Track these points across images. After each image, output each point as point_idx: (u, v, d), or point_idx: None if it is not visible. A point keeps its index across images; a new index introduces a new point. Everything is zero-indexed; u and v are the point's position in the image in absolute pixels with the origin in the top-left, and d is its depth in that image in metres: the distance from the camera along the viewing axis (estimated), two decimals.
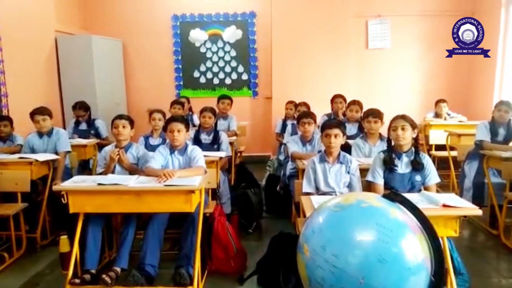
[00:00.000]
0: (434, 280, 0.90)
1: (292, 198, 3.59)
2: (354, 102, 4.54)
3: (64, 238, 3.02)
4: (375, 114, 3.58)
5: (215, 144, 4.12)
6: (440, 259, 0.92)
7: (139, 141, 3.92)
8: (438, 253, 0.92)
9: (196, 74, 6.84)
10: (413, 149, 2.73)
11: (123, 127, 3.19)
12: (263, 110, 6.85)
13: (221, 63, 6.81)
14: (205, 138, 4.20)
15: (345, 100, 5.00)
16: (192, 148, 3.13)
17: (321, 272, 0.86)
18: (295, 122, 4.48)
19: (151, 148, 3.74)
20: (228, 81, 6.85)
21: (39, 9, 5.38)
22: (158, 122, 4.06)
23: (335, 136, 2.89)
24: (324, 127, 2.97)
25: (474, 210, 2.21)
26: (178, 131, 3.05)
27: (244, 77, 6.85)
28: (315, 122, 3.95)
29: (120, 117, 3.26)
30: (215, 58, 6.79)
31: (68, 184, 2.68)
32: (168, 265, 2.90)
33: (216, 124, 4.32)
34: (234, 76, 6.84)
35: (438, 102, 5.65)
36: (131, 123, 3.29)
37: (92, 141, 4.59)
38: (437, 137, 5.20)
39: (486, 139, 3.86)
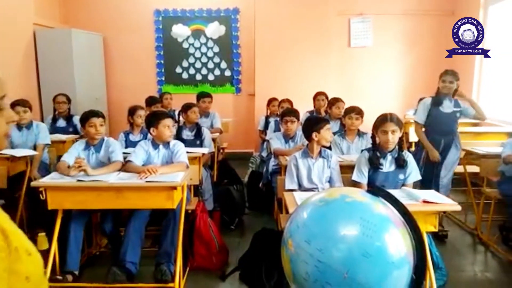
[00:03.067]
0: (415, 276, 0.91)
1: (275, 194, 3.60)
2: (336, 100, 4.57)
3: (42, 236, 2.96)
4: (357, 111, 3.62)
5: (197, 140, 4.09)
6: (422, 253, 0.92)
7: (119, 138, 3.86)
8: (420, 247, 0.93)
9: (178, 69, 6.77)
10: (397, 147, 2.75)
11: (101, 125, 2.98)
12: (246, 106, 6.83)
13: (204, 59, 6.75)
14: (188, 134, 4.16)
15: (327, 97, 5.02)
16: (175, 142, 3.10)
17: (306, 267, 0.86)
18: (278, 119, 4.48)
19: (132, 144, 3.69)
20: (211, 77, 6.81)
21: (17, 1, 5.22)
22: (143, 119, 4.00)
23: (328, 129, 2.90)
24: (320, 123, 2.93)
25: (453, 206, 2.26)
26: (173, 126, 3.05)
27: (227, 73, 6.82)
28: (298, 119, 3.96)
29: (95, 114, 2.98)
30: (197, 54, 6.73)
31: (46, 180, 2.62)
32: (149, 262, 2.87)
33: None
34: (217, 72, 6.80)
35: (420, 100, 5.73)
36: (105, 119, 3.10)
37: (71, 137, 4.49)
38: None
39: (420, 122, 3.75)
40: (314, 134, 2.90)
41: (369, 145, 2.91)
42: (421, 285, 0.90)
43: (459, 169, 3.97)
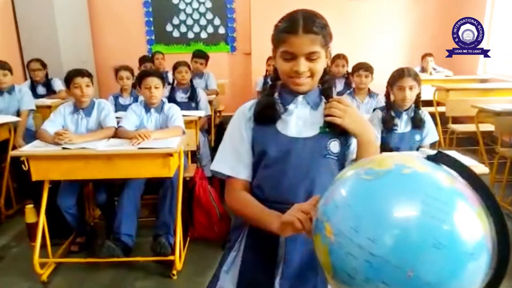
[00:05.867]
0: (496, 268, 0.69)
1: None
2: (339, 56, 4.28)
3: (30, 207, 2.77)
4: (366, 67, 3.35)
5: (192, 102, 3.82)
6: (504, 238, 0.69)
7: (108, 101, 3.58)
8: (502, 230, 0.69)
9: (169, 27, 6.35)
10: (413, 105, 2.51)
11: (87, 86, 2.61)
12: (242, 66, 6.47)
13: (196, 16, 6.32)
14: (182, 96, 3.88)
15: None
16: (170, 106, 2.83)
17: (353, 261, 0.64)
18: None
19: (122, 108, 3.42)
20: (203, 35, 6.40)
21: None
22: (126, 81, 3.67)
23: None
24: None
25: (482, 168, 2.07)
26: (156, 87, 2.73)
27: (221, 31, 6.42)
28: None
29: (80, 73, 2.61)
30: (189, 10, 6.29)
31: (28, 149, 2.37)
32: (147, 234, 2.72)
33: (191, 82, 4.00)
34: (210, 29, 6.39)
35: (424, 56, 5.45)
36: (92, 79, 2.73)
37: (57, 101, 4.19)
38: (423, 92, 5.02)
39: None
40: None
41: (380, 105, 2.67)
42: (502, 279, 0.67)
43: (471, 127, 3.77)
